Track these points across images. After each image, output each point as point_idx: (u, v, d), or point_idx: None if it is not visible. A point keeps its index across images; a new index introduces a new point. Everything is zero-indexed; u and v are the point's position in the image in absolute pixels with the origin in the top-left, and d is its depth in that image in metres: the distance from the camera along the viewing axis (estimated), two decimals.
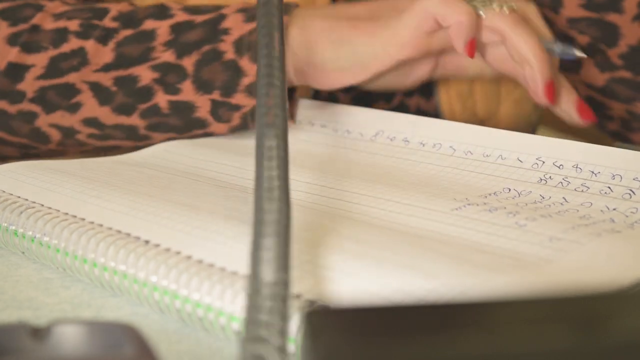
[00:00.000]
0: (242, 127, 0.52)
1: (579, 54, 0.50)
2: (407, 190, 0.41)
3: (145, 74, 0.52)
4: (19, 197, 0.40)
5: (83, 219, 0.37)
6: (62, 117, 0.53)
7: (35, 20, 0.53)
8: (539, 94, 0.49)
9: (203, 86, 0.52)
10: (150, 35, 0.52)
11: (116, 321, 0.23)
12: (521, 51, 0.48)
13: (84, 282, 0.36)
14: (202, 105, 0.52)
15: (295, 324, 0.27)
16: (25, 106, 0.52)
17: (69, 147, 0.55)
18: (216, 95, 0.52)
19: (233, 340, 0.29)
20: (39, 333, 0.23)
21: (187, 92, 0.52)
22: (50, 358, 0.23)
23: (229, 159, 0.49)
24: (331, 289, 0.29)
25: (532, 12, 0.52)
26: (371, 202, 0.40)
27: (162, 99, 0.52)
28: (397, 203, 0.39)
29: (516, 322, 0.19)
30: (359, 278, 0.29)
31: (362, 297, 0.28)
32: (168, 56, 0.52)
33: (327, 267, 0.30)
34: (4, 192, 0.41)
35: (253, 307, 0.24)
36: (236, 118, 0.52)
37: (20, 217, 0.38)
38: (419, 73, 0.55)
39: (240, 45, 0.51)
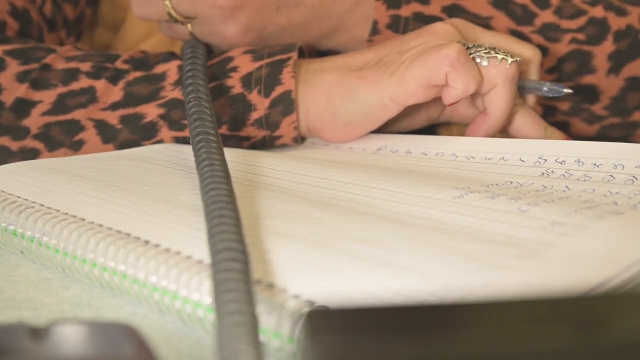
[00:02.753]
0: None
1: (566, 90, 0.51)
2: (407, 181, 0.41)
3: (151, 111, 0.52)
4: (19, 197, 0.40)
5: (83, 219, 0.37)
6: (64, 155, 0.52)
7: (47, 60, 0.53)
8: (473, 135, 0.51)
9: None
10: (161, 77, 0.52)
11: (116, 321, 0.23)
12: (495, 106, 0.50)
13: (83, 282, 0.36)
14: None
15: (291, 323, 0.27)
16: (29, 143, 0.52)
17: None
18: (224, 130, 0.52)
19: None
20: (38, 333, 0.23)
21: None
22: (50, 358, 0.23)
23: (228, 153, 0.49)
24: (331, 290, 0.29)
25: (535, 61, 0.53)
26: (371, 193, 0.40)
27: (166, 135, 0.52)
28: (397, 193, 0.39)
29: (516, 322, 0.19)
30: (359, 280, 0.29)
31: (362, 299, 0.28)
32: (175, 93, 0.52)
33: (328, 268, 0.30)
34: (3, 192, 0.41)
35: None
36: (245, 147, 0.52)
37: (19, 216, 0.38)
38: (428, 116, 0.56)
39: (249, 80, 0.51)
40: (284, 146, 0.53)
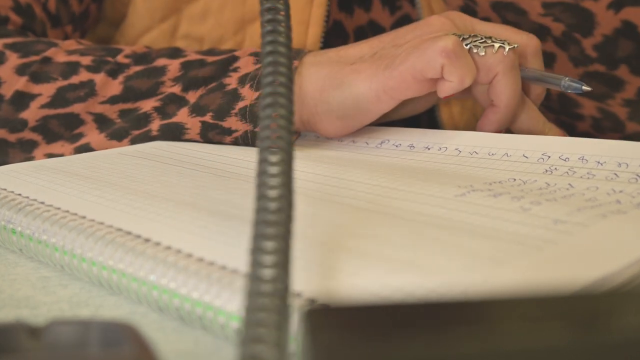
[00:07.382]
0: None
1: (585, 88, 0.49)
2: (409, 179, 0.41)
3: (148, 104, 0.52)
4: (19, 194, 0.40)
5: (83, 217, 0.37)
6: (61, 147, 0.52)
7: (48, 53, 0.53)
8: (484, 129, 0.51)
9: (197, 110, 0.52)
10: (161, 70, 0.52)
11: (115, 320, 0.23)
12: (500, 96, 0.49)
13: (82, 280, 0.36)
14: (192, 127, 0.52)
15: (294, 323, 0.27)
16: (26, 135, 0.52)
17: None
18: (208, 118, 0.51)
19: (232, 339, 0.29)
20: (36, 332, 0.23)
21: (180, 115, 0.52)
22: (48, 357, 0.23)
23: (230, 147, 0.49)
24: (331, 288, 0.29)
25: (531, 47, 0.52)
26: (373, 190, 0.40)
27: (155, 125, 0.52)
28: (399, 190, 0.39)
29: (517, 319, 0.19)
30: (360, 277, 0.29)
31: (362, 296, 0.28)
32: (174, 89, 0.52)
33: (328, 265, 0.30)
34: (4, 189, 0.41)
35: (252, 306, 0.24)
36: (227, 141, 0.52)
37: (18, 214, 0.38)
38: (425, 104, 0.55)
39: (244, 78, 0.51)
40: None
